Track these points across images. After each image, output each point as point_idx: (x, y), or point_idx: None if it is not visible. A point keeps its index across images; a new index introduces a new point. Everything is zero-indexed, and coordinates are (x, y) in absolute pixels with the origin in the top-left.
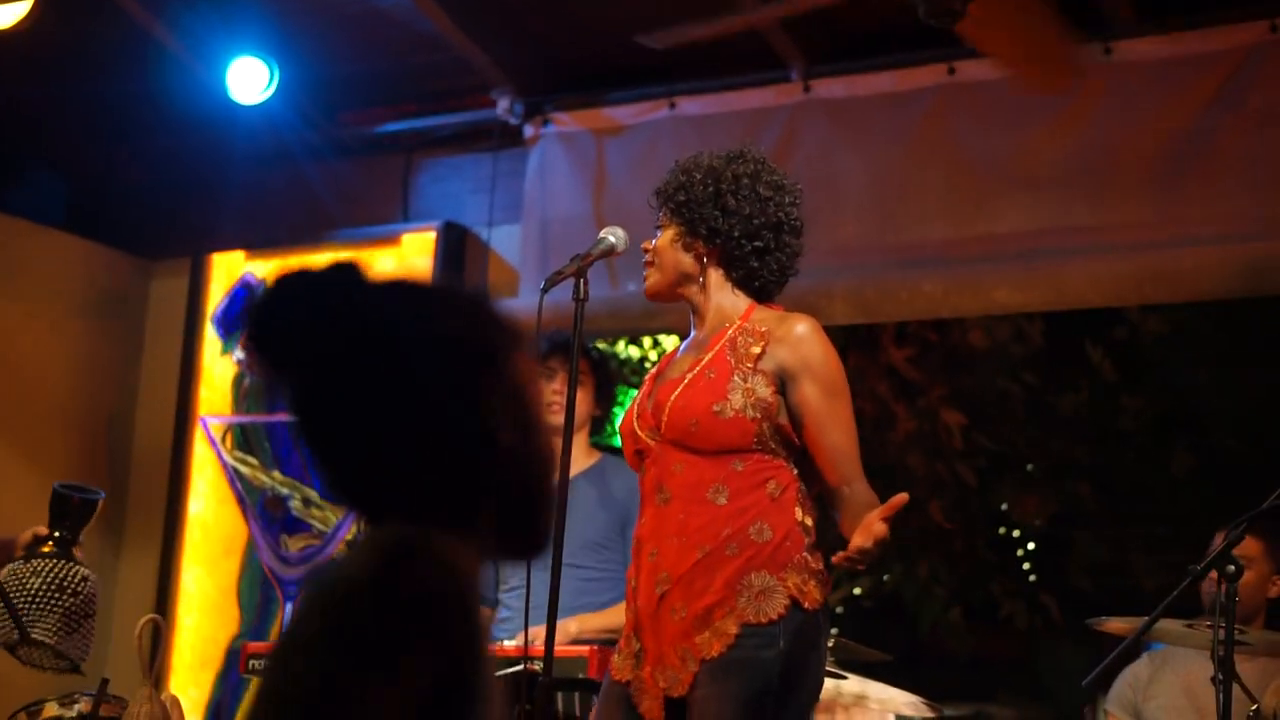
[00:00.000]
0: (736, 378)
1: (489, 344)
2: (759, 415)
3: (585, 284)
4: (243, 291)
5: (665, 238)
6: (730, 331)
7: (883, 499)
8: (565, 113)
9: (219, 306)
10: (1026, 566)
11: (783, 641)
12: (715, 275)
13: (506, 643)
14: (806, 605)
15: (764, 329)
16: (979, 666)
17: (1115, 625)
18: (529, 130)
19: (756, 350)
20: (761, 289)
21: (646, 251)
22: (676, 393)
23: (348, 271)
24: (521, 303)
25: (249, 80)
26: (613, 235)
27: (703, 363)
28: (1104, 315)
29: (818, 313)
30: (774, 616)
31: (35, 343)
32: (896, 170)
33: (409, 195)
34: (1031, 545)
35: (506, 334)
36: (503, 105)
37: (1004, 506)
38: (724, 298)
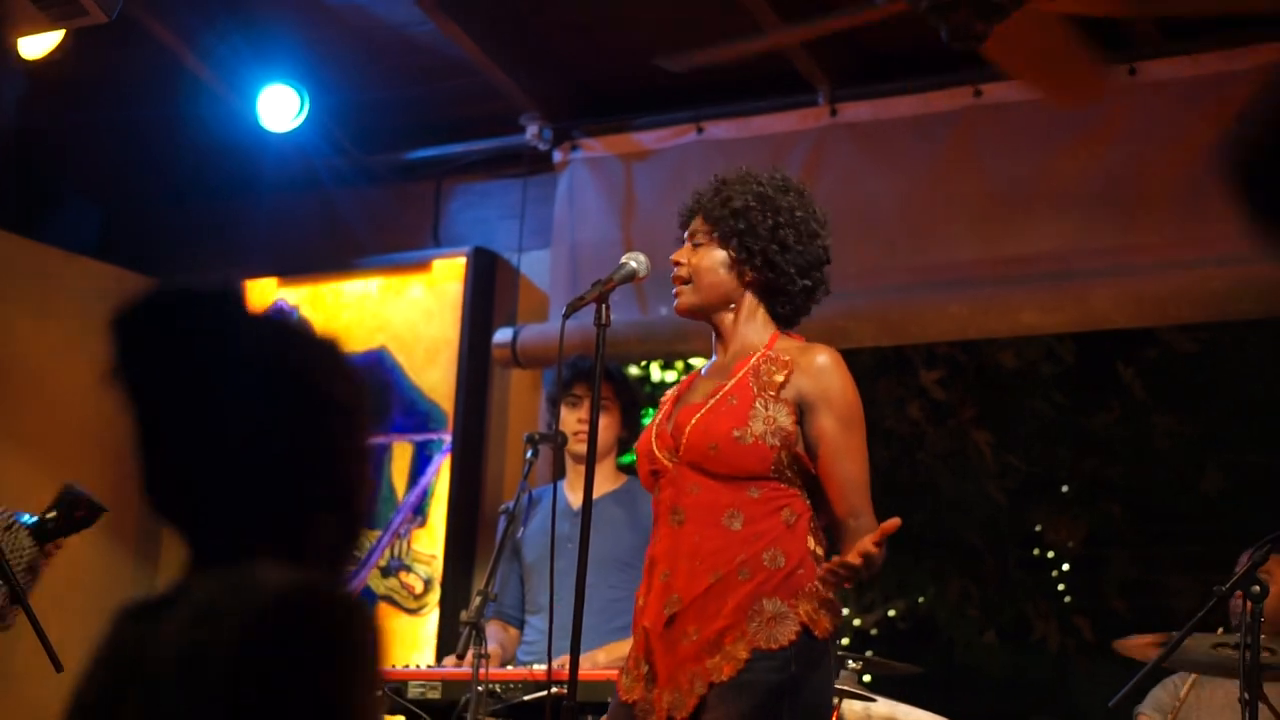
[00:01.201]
0: (758, 405)
1: (342, 394)
2: (778, 443)
3: (607, 309)
4: (275, 317)
5: (712, 258)
6: (754, 359)
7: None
8: (593, 138)
9: None
10: (1060, 588)
11: (793, 667)
12: (751, 303)
13: (536, 666)
14: (817, 633)
15: (788, 358)
16: (1012, 688)
17: (1135, 642)
18: (558, 156)
19: (780, 379)
20: (788, 319)
21: (679, 265)
22: (698, 416)
23: (226, 297)
24: (551, 327)
25: (280, 108)
26: (634, 260)
27: (726, 388)
28: (1135, 335)
29: (845, 335)
30: (785, 643)
31: (68, 369)
32: (923, 193)
33: (439, 221)
34: (1065, 566)
35: (359, 388)
36: (531, 131)
37: (1037, 528)
38: (753, 325)
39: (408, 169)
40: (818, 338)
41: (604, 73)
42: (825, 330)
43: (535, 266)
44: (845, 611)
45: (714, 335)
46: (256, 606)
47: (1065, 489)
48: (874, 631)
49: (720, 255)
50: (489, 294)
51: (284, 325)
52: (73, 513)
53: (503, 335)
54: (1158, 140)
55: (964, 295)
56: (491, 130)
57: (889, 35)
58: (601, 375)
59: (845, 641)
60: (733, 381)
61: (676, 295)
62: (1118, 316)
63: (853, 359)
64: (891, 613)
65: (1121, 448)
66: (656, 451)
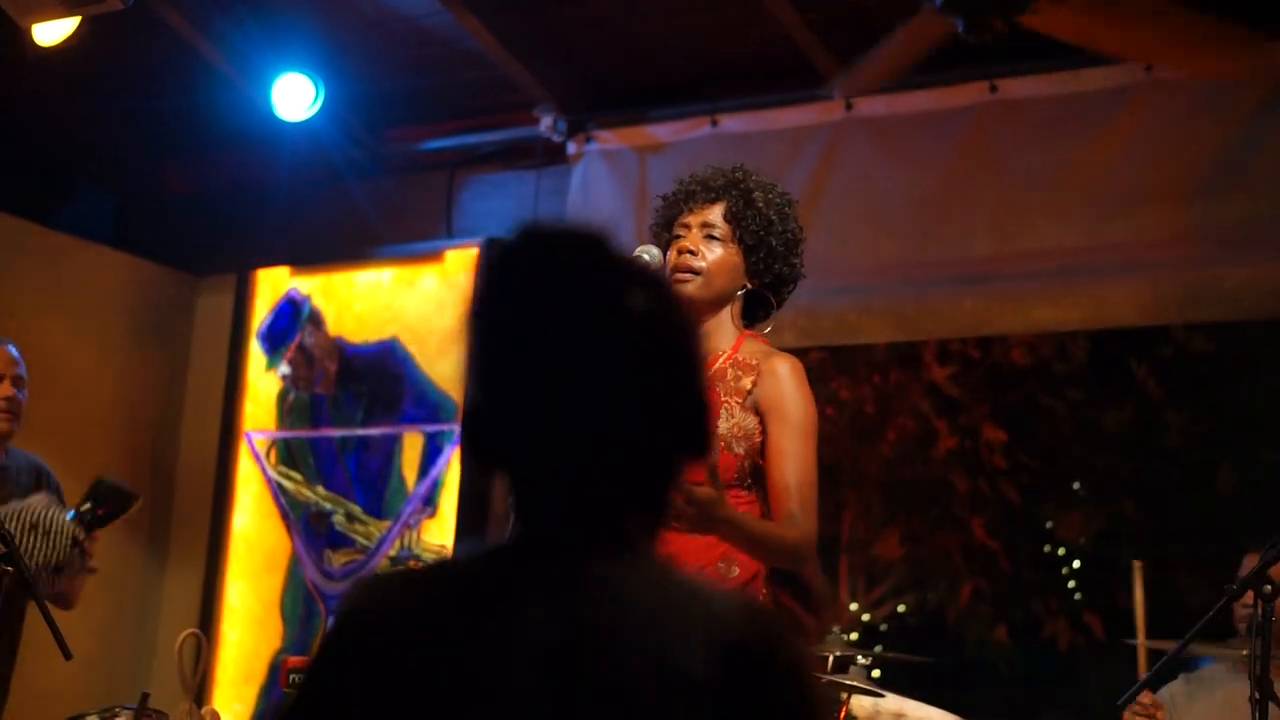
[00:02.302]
0: (725, 410)
1: (690, 341)
2: (743, 452)
3: None
4: (288, 307)
5: (731, 262)
6: (721, 361)
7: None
8: (608, 130)
9: (264, 322)
10: (1071, 585)
11: None
12: (736, 309)
13: None
14: None
15: (754, 362)
16: (1022, 685)
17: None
18: (572, 147)
19: (747, 385)
20: (752, 323)
21: (691, 252)
22: None
23: (599, 241)
24: None
25: (295, 97)
26: (648, 254)
27: None
28: (1148, 332)
29: (858, 330)
30: None
31: (82, 358)
32: (937, 188)
33: (453, 212)
34: (1076, 563)
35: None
36: (546, 123)
37: (1048, 525)
38: (726, 325)
39: (421, 159)
40: (831, 332)
41: (618, 65)
42: (838, 325)
43: None
44: (854, 607)
45: None
46: (728, 634)
47: (1077, 486)
48: (883, 627)
49: (738, 261)
50: None
51: (647, 274)
52: (105, 504)
53: None
54: (1173, 137)
55: (978, 291)
56: (505, 121)
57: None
58: None
59: (853, 637)
60: None
61: (681, 282)
62: (1132, 314)
63: (865, 354)
64: (901, 608)
65: (1134, 445)
66: None
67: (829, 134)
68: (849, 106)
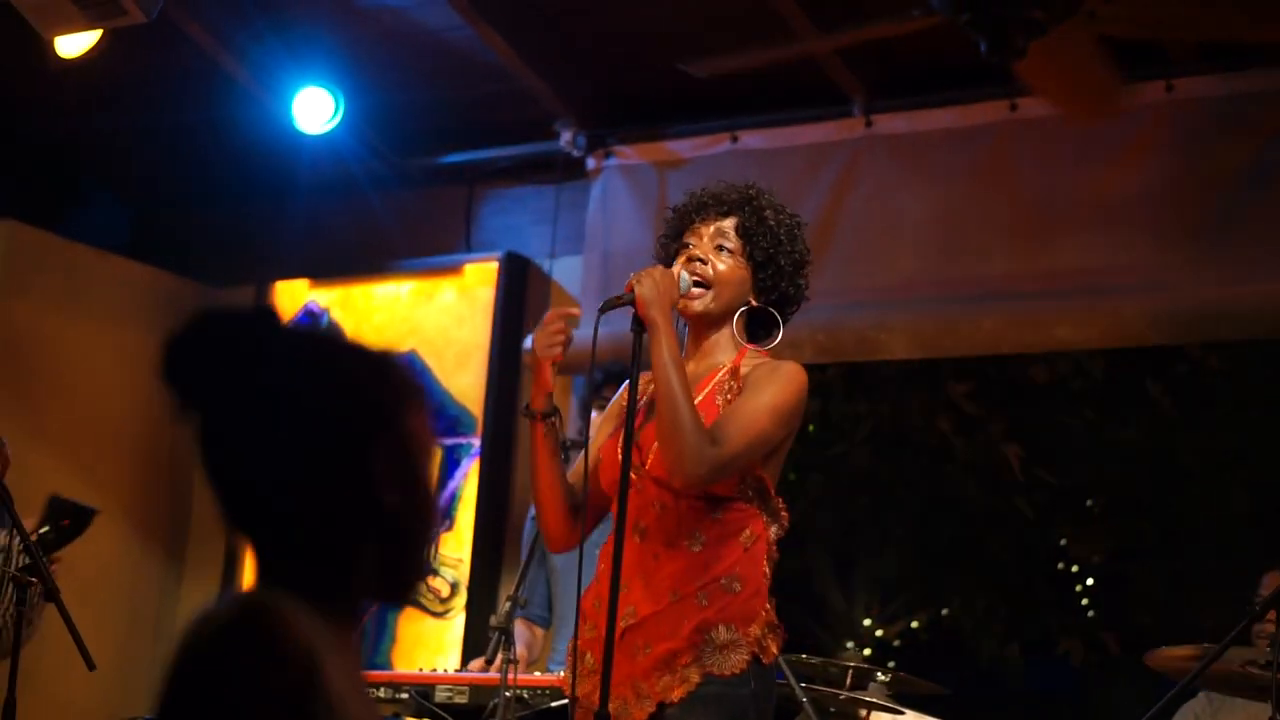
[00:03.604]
0: None
1: (387, 402)
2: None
3: None
4: (306, 319)
5: (739, 276)
6: (721, 375)
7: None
8: (627, 145)
9: None
10: (1085, 602)
11: (746, 689)
12: (739, 324)
13: (562, 672)
14: (765, 660)
15: (751, 369)
16: (1036, 701)
17: (1169, 654)
18: (591, 162)
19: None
20: (757, 340)
21: (701, 260)
22: None
23: (265, 317)
24: (582, 333)
25: (314, 110)
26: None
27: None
28: (1165, 351)
29: (877, 347)
30: (736, 670)
31: (100, 368)
32: (957, 206)
33: (471, 226)
34: (1090, 581)
35: (408, 391)
36: (565, 137)
37: (1063, 542)
38: (728, 340)
39: (441, 173)
40: (850, 349)
41: (638, 80)
42: (857, 341)
43: (567, 273)
44: (867, 622)
45: (688, 339)
46: (208, 624)
47: (1091, 504)
48: (896, 643)
49: (746, 275)
50: (520, 299)
51: (329, 341)
52: (59, 522)
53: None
54: (1192, 157)
55: (997, 309)
56: (525, 136)
57: (925, 47)
58: (636, 380)
59: (867, 652)
60: (701, 396)
61: (689, 295)
62: (1150, 333)
63: (882, 369)
64: (915, 624)
65: (1150, 464)
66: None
67: (849, 151)
68: (869, 124)
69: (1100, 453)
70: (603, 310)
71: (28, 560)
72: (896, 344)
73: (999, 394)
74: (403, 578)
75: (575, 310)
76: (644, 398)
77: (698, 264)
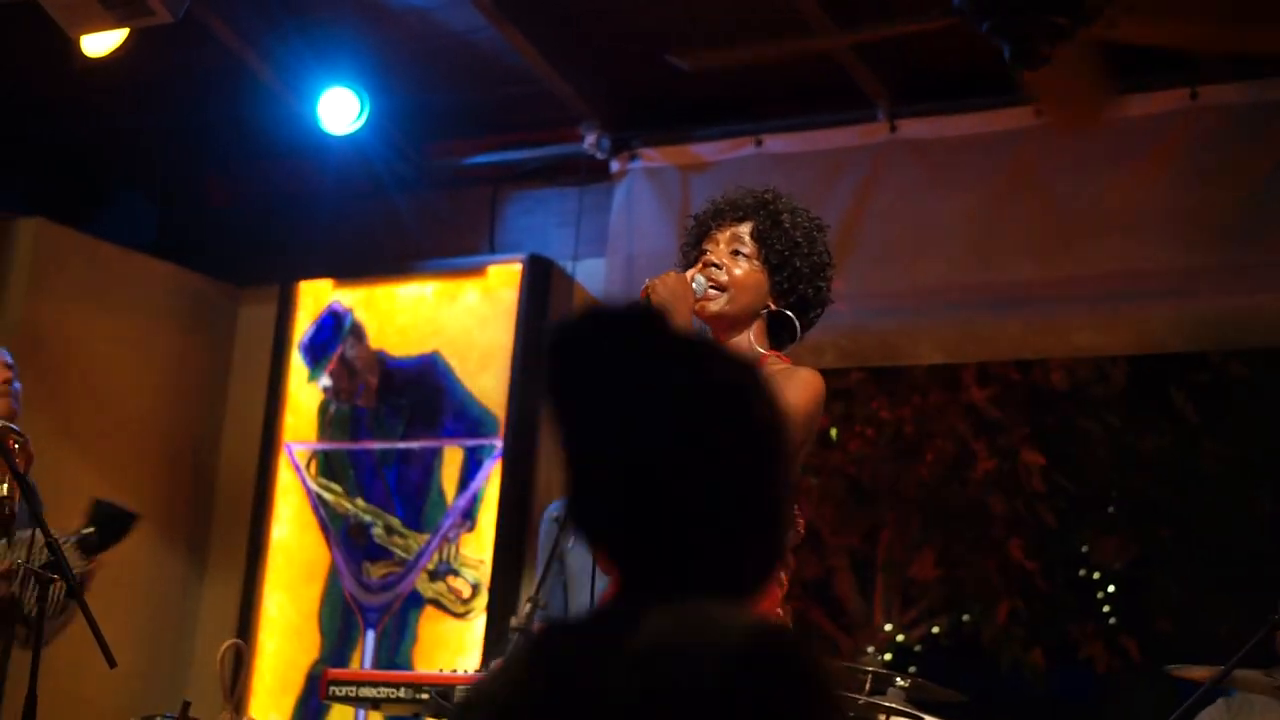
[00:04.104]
0: None
1: (768, 418)
2: None
3: None
4: (330, 319)
5: (756, 280)
6: None
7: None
8: (652, 148)
9: (306, 334)
10: (1106, 608)
11: None
12: (759, 327)
13: None
14: None
15: (771, 373)
16: (1057, 707)
17: (1196, 673)
18: (615, 165)
19: None
20: (778, 345)
21: (716, 266)
22: None
23: (654, 319)
24: None
25: (340, 111)
26: (694, 284)
27: None
28: (1188, 358)
29: (901, 352)
30: None
31: (123, 366)
32: (981, 212)
33: (495, 227)
34: (1111, 587)
35: (780, 414)
36: (590, 139)
37: (1084, 548)
38: (747, 346)
39: (465, 174)
40: (873, 353)
41: (663, 83)
42: (880, 346)
43: (590, 275)
44: (888, 627)
45: None
46: (730, 648)
47: (1113, 510)
48: (918, 648)
49: (763, 279)
50: (544, 301)
51: (711, 348)
52: (109, 526)
53: None
54: (1217, 164)
55: (1021, 315)
56: (549, 138)
57: (950, 53)
58: None
59: (887, 657)
60: None
61: (705, 298)
62: (1173, 340)
63: (904, 374)
64: (936, 629)
65: (1171, 470)
66: None
67: (873, 155)
68: (893, 128)
69: (1122, 459)
70: None
71: (50, 557)
72: (921, 349)
73: (1021, 399)
74: (773, 568)
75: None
76: None
77: (713, 269)
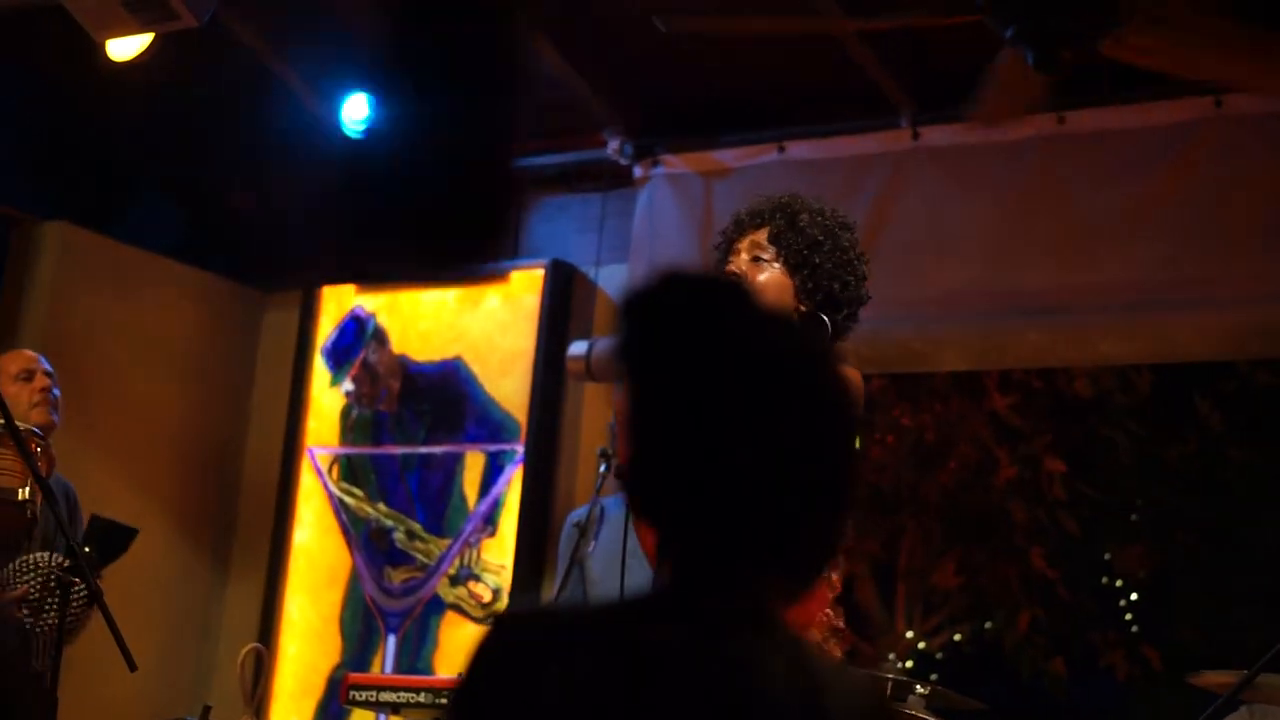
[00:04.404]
0: None
1: (839, 396)
2: None
3: None
4: (352, 325)
5: (778, 283)
6: None
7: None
8: (674, 154)
9: (329, 339)
10: (1129, 617)
11: None
12: None
13: None
14: None
15: None
16: (1078, 715)
17: (1213, 679)
18: (638, 171)
19: None
20: None
21: (738, 275)
22: None
23: (736, 288)
24: None
25: (363, 115)
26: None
27: None
28: (1213, 367)
29: (923, 359)
30: None
31: (147, 370)
32: (1004, 219)
33: (518, 232)
34: (1134, 596)
35: (850, 393)
36: (613, 146)
37: (1107, 556)
38: None
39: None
40: (894, 360)
41: (686, 90)
42: (901, 353)
43: (612, 281)
44: (910, 634)
45: None
46: (868, 705)
47: (1136, 519)
48: (939, 655)
49: (785, 282)
50: (566, 307)
51: (790, 323)
52: (107, 542)
53: (578, 348)
54: (1241, 173)
55: (1043, 323)
56: (572, 144)
57: (973, 60)
58: None
59: (909, 664)
60: None
61: None
62: (1197, 348)
63: (926, 381)
64: (957, 637)
65: (1195, 479)
66: None
67: (895, 162)
68: (916, 135)
69: (1146, 467)
70: None
71: (70, 561)
72: (943, 356)
73: (1043, 407)
74: (830, 557)
75: None
76: None
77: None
